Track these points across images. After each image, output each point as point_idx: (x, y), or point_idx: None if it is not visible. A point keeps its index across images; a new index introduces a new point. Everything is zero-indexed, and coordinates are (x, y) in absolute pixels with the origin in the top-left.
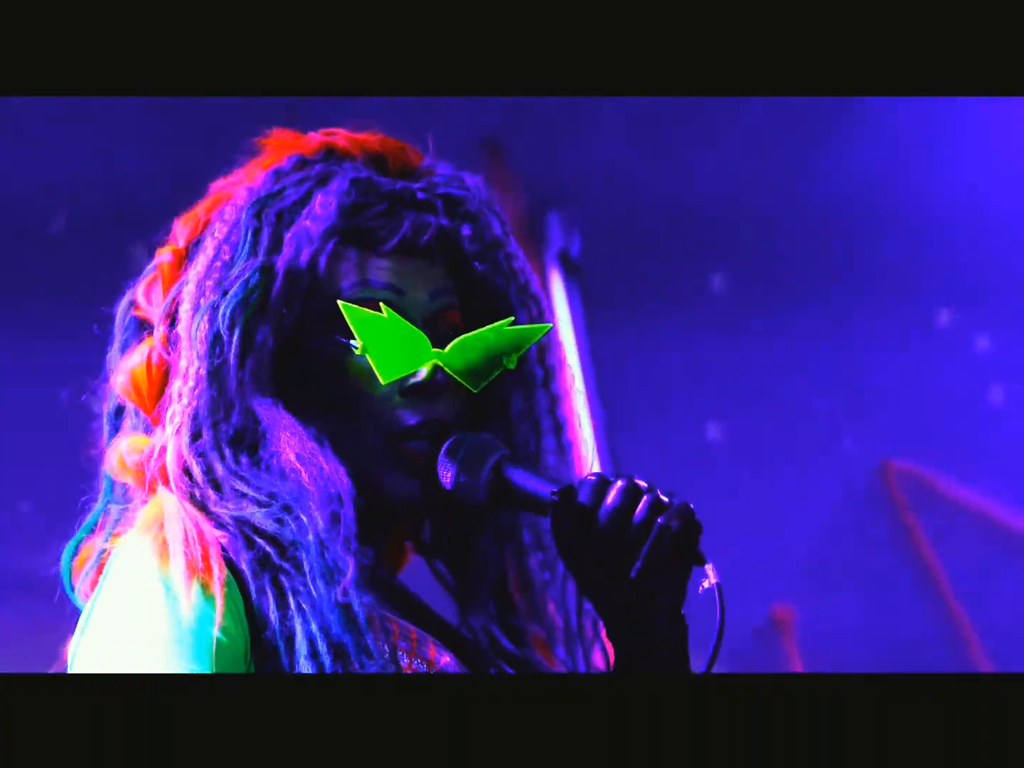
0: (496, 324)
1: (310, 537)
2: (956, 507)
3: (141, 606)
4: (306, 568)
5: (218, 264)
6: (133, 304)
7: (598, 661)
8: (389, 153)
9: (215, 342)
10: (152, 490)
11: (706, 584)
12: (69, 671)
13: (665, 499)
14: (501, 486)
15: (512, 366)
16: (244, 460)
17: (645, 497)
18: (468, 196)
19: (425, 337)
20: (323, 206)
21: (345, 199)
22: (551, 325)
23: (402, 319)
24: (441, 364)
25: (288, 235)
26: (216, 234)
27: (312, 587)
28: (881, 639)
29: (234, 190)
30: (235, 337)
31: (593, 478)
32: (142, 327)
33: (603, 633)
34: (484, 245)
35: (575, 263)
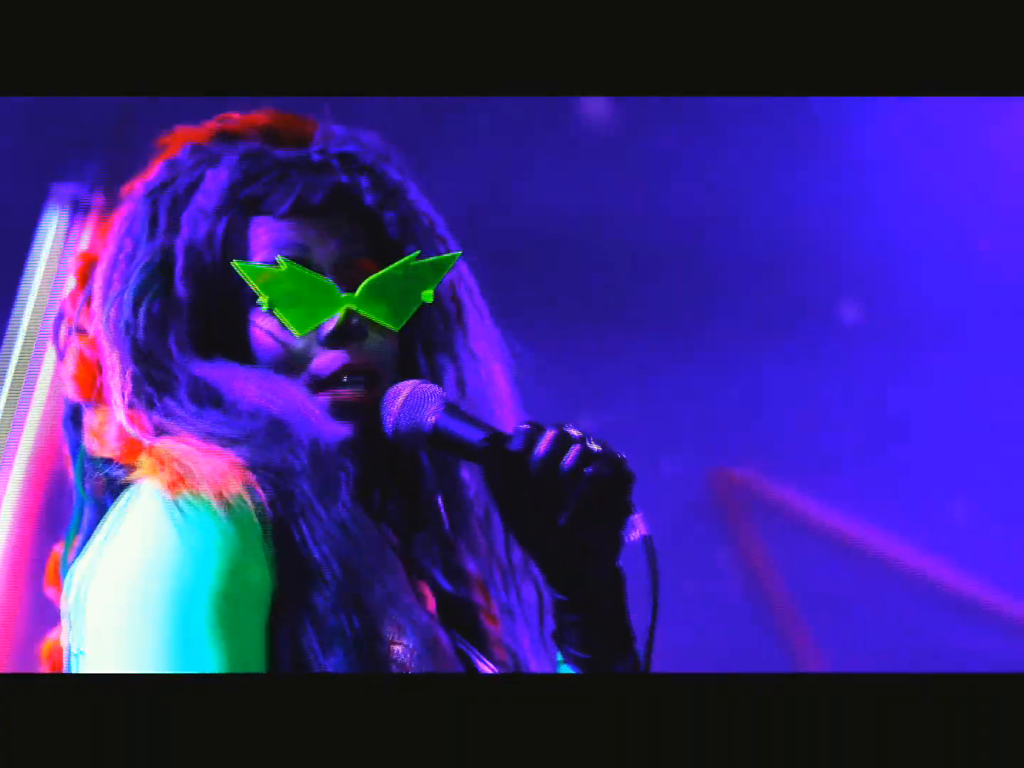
0: (402, 260)
1: (299, 462)
2: (789, 511)
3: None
4: (305, 491)
5: (121, 256)
6: (62, 316)
7: (530, 597)
8: (282, 126)
9: (127, 327)
10: (132, 456)
11: (635, 535)
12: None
13: (596, 448)
14: (437, 431)
15: (429, 300)
16: (214, 412)
17: (575, 446)
18: (362, 151)
19: (332, 283)
20: (214, 181)
21: (236, 172)
22: (460, 253)
23: (300, 268)
24: (354, 308)
25: (184, 216)
26: (116, 230)
27: (315, 508)
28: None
29: (132, 188)
30: (140, 319)
31: (525, 427)
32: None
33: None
34: (384, 193)
35: None
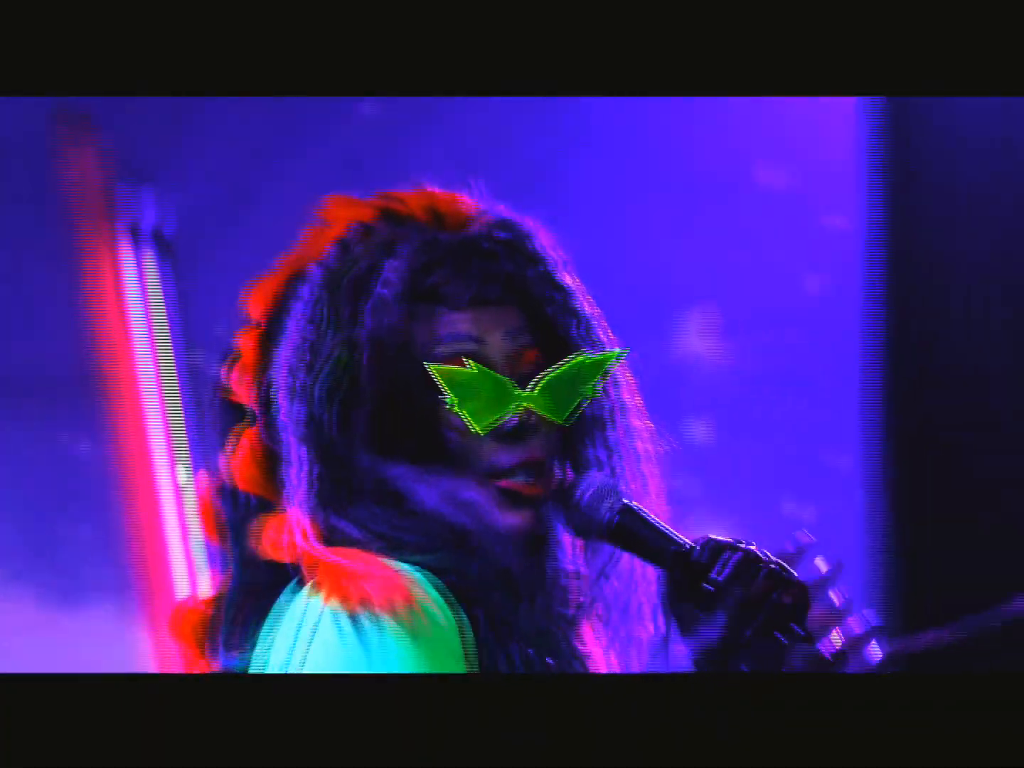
0: (576, 360)
1: (486, 567)
2: None
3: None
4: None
5: (304, 344)
6: (222, 389)
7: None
8: (443, 207)
9: (316, 425)
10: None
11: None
12: None
13: (782, 573)
14: (620, 530)
15: (595, 394)
16: (394, 513)
17: (763, 570)
18: (526, 239)
19: (511, 382)
20: (395, 271)
21: (414, 261)
22: (627, 350)
23: (486, 369)
24: (530, 406)
25: (367, 306)
26: (297, 315)
27: (512, 614)
28: None
29: (302, 264)
30: (333, 415)
31: (710, 542)
32: (232, 409)
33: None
34: (550, 285)
35: (167, 242)
